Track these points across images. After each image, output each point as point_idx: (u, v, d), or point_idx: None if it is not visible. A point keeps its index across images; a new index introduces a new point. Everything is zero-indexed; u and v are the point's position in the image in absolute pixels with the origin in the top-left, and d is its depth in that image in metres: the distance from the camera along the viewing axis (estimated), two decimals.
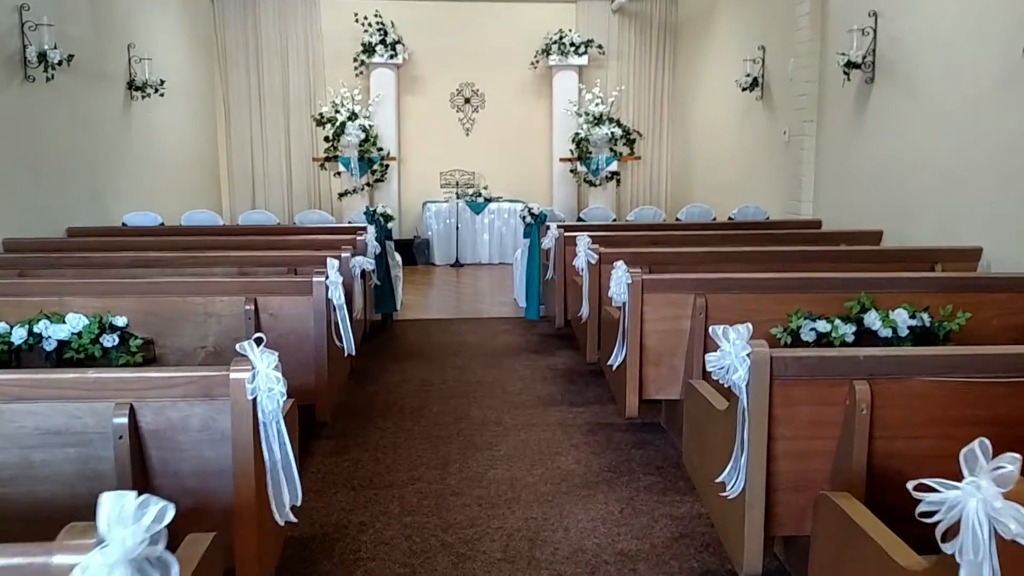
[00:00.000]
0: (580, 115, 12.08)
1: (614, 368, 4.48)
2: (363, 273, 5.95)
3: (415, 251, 11.74)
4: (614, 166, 12.23)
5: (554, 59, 12.34)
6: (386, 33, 11.92)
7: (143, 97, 8.83)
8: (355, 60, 12.07)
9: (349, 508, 3.81)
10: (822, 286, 4.37)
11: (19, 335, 4.02)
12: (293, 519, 2.74)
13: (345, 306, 4.37)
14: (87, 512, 2.71)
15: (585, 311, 5.49)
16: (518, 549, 3.42)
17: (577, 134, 12.08)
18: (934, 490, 1.82)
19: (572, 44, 12.27)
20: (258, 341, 2.47)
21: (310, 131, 12.45)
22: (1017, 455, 1.73)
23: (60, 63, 6.64)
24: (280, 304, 4.25)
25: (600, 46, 12.48)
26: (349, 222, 8.55)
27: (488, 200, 12.00)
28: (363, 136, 11.58)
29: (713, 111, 11.18)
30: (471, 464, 4.32)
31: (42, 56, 6.51)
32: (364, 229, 6.70)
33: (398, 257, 8.16)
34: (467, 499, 3.90)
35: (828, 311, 4.15)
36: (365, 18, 11.87)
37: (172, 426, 2.55)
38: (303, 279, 4.31)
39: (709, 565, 3.30)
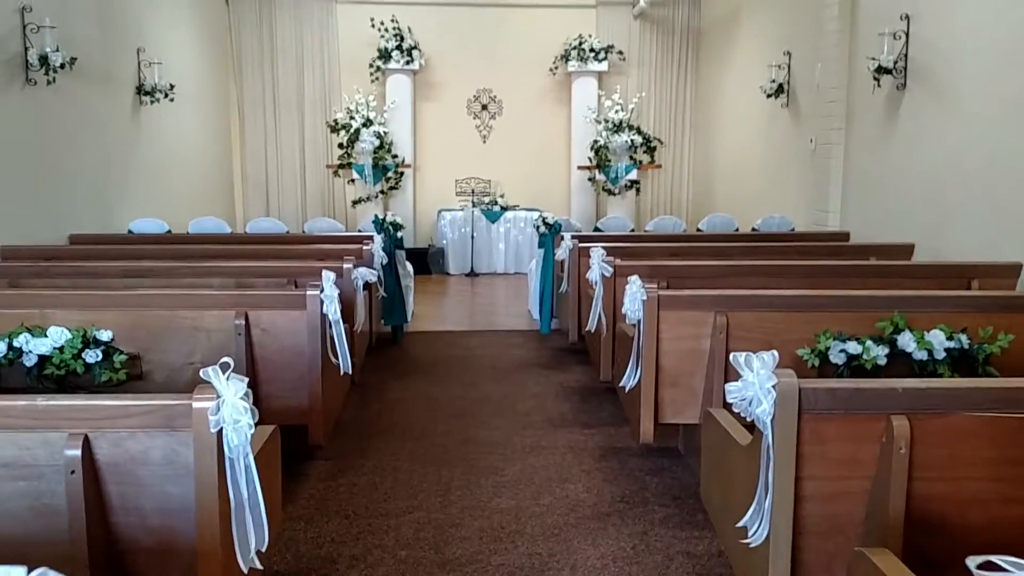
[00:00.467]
0: (599, 122, 11.79)
1: (627, 390, 4.19)
2: (369, 284, 5.69)
3: (429, 260, 11.50)
4: (634, 174, 11.93)
5: (573, 65, 12.08)
6: (402, 39, 11.72)
7: (152, 102, 8.66)
8: (371, 66, 11.87)
9: (340, 540, 3.55)
10: (852, 304, 4.07)
11: None
12: (259, 566, 2.48)
13: (341, 321, 4.12)
14: (41, 550, 2.47)
15: (595, 325, 5.20)
16: None
17: (596, 141, 11.79)
18: (1001, 569, 1.52)
19: (592, 50, 12.01)
20: (224, 367, 2.21)
21: (325, 137, 12.27)
22: None
23: (63, 66, 6.47)
24: (272, 319, 4.01)
25: (620, 52, 12.21)
26: (359, 230, 8.34)
27: (504, 209, 11.74)
28: (378, 143, 11.37)
29: (736, 118, 10.87)
30: (474, 491, 4.05)
31: (44, 59, 6.34)
32: (371, 238, 6.45)
33: (409, 267, 7.92)
34: (468, 531, 3.63)
35: (859, 331, 3.88)
36: (382, 23, 11.67)
37: (131, 459, 2.31)
38: (296, 292, 4.07)
39: None
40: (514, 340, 7.37)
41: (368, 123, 11.36)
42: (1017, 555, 1.66)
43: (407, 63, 11.80)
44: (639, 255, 5.96)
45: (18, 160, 6.33)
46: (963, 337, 3.84)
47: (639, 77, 12.48)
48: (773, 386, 2.38)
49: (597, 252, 5.33)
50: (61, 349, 3.92)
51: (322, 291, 3.98)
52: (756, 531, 2.51)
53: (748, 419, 2.50)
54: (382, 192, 11.76)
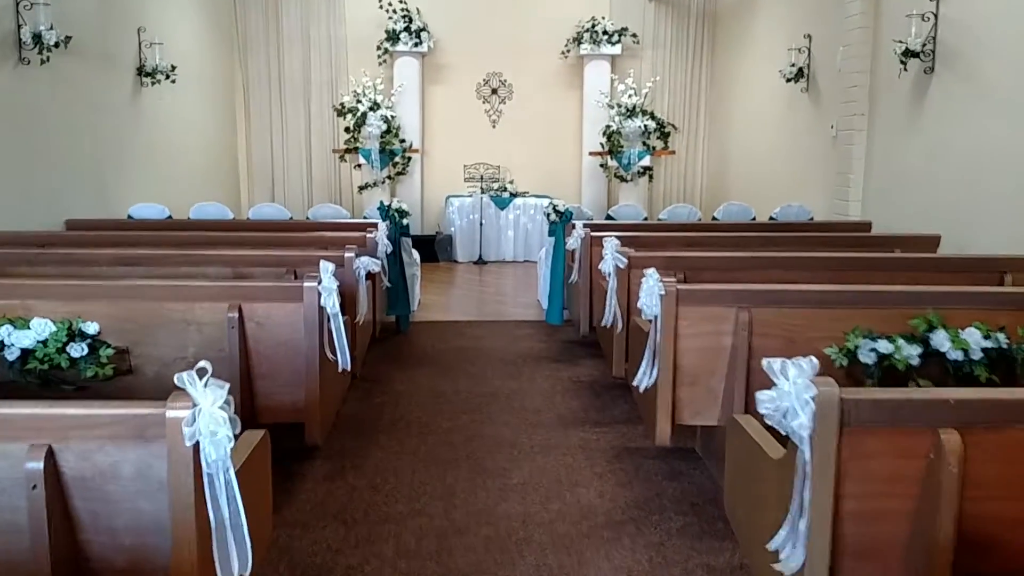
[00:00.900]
0: (612, 107, 11.48)
1: (642, 389, 3.96)
2: (372, 274, 5.46)
3: (437, 247, 11.27)
4: (647, 161, 11.63)
5: (586, 48, 11.79)
6: (411, 20, 11.44)
7: (154, 84, 8.44)
8: (378, 48, 11.59)
9: (337, 547, 3.34)
10: (881, 300, 3.82)
11: None
12: None
13: (340, 315, 3.88)
14: (1, 569, 2.26)
15: (610, 320, 4.96)
16: None
17: (608, 127, 11.48)
18: None
19: (605, 32, 11.70)
20: (201, 372, 1.99)
21: (331, 121, 12.02)
22: None
23: (57, 45, 6.25)
24: (268, 312, 3.78)
25: (634, 35, 11.89)
26: (365, 217, 8.11)
27: (514, 195, 11.48)
28: (385, 127, 11.12)
29: (754, 104, 10.57)
30: (480, 495, 3.83)
31: (37, 37, 6.12)
32: (375, 225, 6.22)
33: (415, 255, 7.70)
34: (472, 539, 3.41)
35: (888, 328, 3.64)
36: (390, 4, 11.40)
37: (100, 473, 2.09)
38: (293, 284, 3.83)
39: None
40: (523, 331, 7.14)
41: (375, 107, 11.10)
42: None
43: (415, 45, 11.52)
44: (654, 245, 5.72)
45: (11, 142, 6.12)
46: (1001, 336, 3.59)
47: (653, 61, 12.17)
48: (812, 397, 2.14)
49: (611, 243, 5.08)
50: (45, 342, 3.71)
51: (320, 283, 3.76)
52: (789, 555, 2.28)
53: (783, 432, 2.26)
54: (389, 178, 11.51)
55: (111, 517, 2.13)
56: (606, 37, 11.71)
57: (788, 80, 8.73)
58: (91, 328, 3.76)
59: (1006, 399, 2.29)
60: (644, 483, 3.97)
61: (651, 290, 3.78)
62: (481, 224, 11.19)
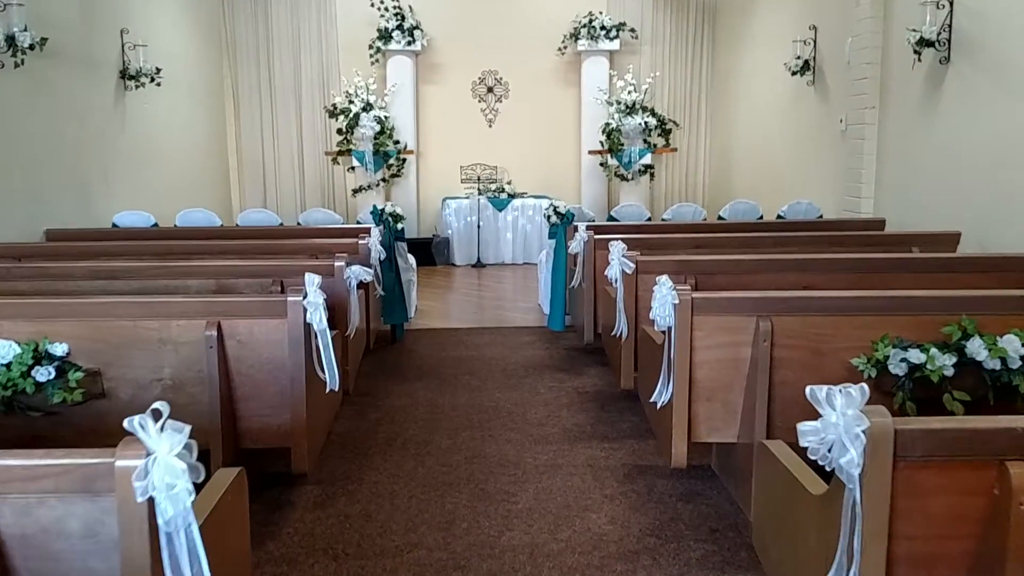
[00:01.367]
0: (611, 104, 11.20)
1: (658, 407, 3.68)
2: (364, 283, 5.18)
3: (434, 251, 10.98)
4: (648, 159, 11.34)
5: (583, 44, 11.50)
6: (403, 18, 11.16)
7: (138, 87, 8.15)
8: (371, 47, 11.31)
9: None
10: (910, 306, 3.54)
11: None
12: None
13: (328, 331, 3.60)
14: None
15: (621, 331, 4.68)
16: None
17: (608, 124, 11.19)
18: None
19: (603, 28, 11.42)
20: (156, 414, 1.70)
21: (323, 123, 11.74)
22: None
23: (32, 47, 5.97)
24: (249, 329, 3.50)
25: (633, 30, 11.62)
26: (358, 221, 7.83)
27: (512, 196, 11.20)
28: (378, 128, 10.83)
29: (758, 98, 10.29)
30: (482, 523, 3.54)
31: (11, 39, 5.84)
32: (368, 231, 5.93)
33: (411, 260, 7.41)
34: (474, 574, 3.13)
35: (919, 336, 3.39)
36: (382, 2, 11.11)
37: (43, 530, 1.81)
38: (276, 299, 3.55)
39: None
40: (524, 338, 6.86)
41: (368, 107, 10.81)
42: None
43: (408, 44, 11.24)
44: (660, 247, 5.44)
45: None
46: None
47: (652, 56, 11.89)
48: (863, 431, 1.86)
49: (617, 247, 4.79)
50: (8, 366, 3.43)
51: (305, 297, 3.47)
52: None
53: (828, 468, 1.98)
54: (383, 180, 11.22)
55: None
56: (604, 32, 11.44)
57: (793, 73, 8.46)
58: (59, 349, 3.50)
59: None
60: (658, 506, 3.69)
61: (664, 299, 3.50)
62: (479, 226, 10.91)
